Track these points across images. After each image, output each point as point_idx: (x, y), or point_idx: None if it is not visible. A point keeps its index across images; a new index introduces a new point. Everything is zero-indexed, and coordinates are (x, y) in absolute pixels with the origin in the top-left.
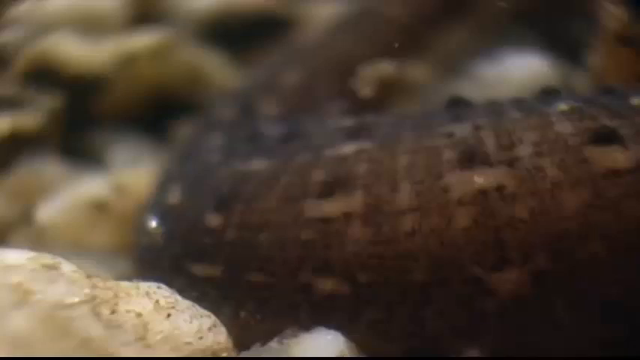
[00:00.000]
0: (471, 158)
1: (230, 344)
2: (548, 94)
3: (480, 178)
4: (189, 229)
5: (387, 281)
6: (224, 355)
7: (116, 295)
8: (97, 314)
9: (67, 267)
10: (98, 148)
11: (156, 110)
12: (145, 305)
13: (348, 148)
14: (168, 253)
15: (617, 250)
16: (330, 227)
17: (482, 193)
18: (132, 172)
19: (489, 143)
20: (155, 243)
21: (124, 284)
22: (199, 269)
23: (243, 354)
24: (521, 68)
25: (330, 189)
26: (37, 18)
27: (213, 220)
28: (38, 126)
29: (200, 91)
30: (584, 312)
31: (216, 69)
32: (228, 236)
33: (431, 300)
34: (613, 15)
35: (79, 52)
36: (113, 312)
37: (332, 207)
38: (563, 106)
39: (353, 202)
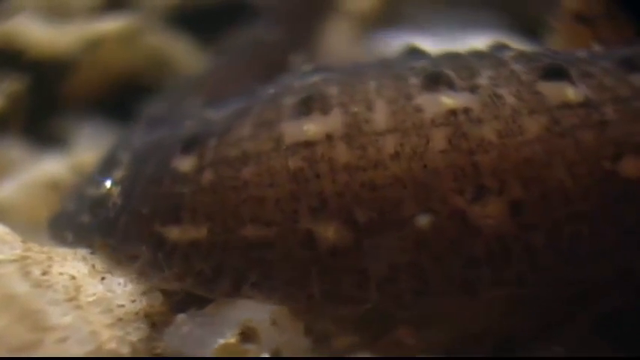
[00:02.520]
0: (435, 82)
1: (165, 308)
2: (500, 47)
3: (448, 99)
4: (156, 181)
5: (383, 219)
6: (157, 318)
7: (50, 258)
8: (25, 273)
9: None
10: (62, 130)
11: (122, 94)
12: (80, 269)
13: (316, 78)
14: (126, 219)
15: (581, 178)
16: (316, 152)
17: (453, 113)
18: (89, 154)
19: (450, 74)
20: (104, 210)
21: (62, 249)
22: (176, 233)
23: (179, 317)
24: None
25: (306, 108)
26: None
27: (183, 163)
28: (1, 108)
29: (166, 75)
30: (564, 248)
31: (182, 54)
32: (205, 179)
33: (428, 244)
34: None
35: (43, 34)
36: (45, 273)
37: (312, 127)
38: (514, 53)
39: (332, 121)
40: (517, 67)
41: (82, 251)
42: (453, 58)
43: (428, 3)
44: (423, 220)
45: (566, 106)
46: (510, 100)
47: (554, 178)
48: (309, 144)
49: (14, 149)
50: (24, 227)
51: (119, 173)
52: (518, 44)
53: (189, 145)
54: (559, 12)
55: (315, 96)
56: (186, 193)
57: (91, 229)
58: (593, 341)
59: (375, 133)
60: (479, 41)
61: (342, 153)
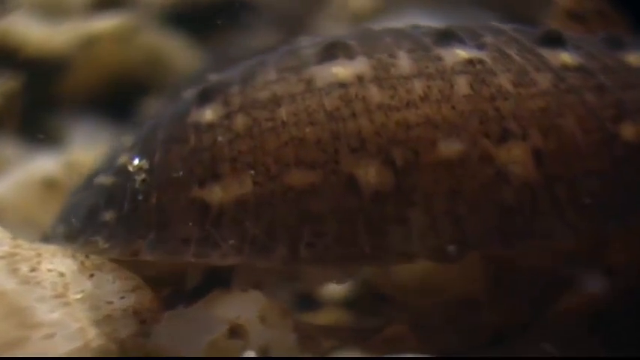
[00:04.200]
0: (447, 38)
1: (155, 305)
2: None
3: (462, 52)
4: (178, 141)
5: (418, 161)
6: (146, 314)
7: (39, 255)
8: (13, 270)
9: None
10: (57, 129)
11: (117, 93)
12: (69, 265)
13: (329, 38)
14: (158, 196)
15: (591, 134)
16: (350, 92)
17: (470, 62)
18: (84, 150)
19: (459, 33)
20: (129, 197)
21: (51, 246)
22: (218, 193)
23: (168, 313)
24: None
25: (330, 54)
26: None
27: (205, 114)
28: None
29: (161, 74)
30: (583, 204)
31: (178, 52)
32: (238, 124)
33: (462, 189)
34: None
35: (38, 33)
36: (33, 270)
37: (341, 70)
38: (511, 26)
39: (359, 65)
40: (515, 34)
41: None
42: (456, 26)
43: (424, 2)
44: (457, 162)
45: (566, 68)
46: (516, 58)
47: (568, 131)
48: (342, 85)
49: (8, 147)
50: (18, 225)
51: (126, 155)
52: None
53: (207, 95)
54: (552, 9)
55: (337, 44)
56: (220, 141)
57: (124, 229)
58: (588, 341)
59: (402, 77)
60: None
61: (374, 93)
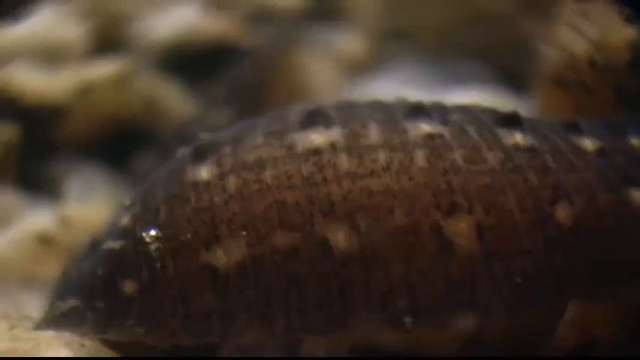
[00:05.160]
0: (417, 112)
1: None
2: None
3: (427, 126)
4: (180, 199)
5: (379, 228)
6: None
7: (37, 345)
8: None
9: None
10: (54, 178)
11: (113, 140)
12: (66, 353)
13: (312, 106)
14: (174, 264)
15: (528, 213)
16: (323, 158)
17: (430, 137)
18: (80, 205)
19: (428, 108)
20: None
21: (47, 334)
22: (222, 256)
23: None
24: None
25: (310, 121)
26: None
27: (200, 172)
28: None
29: (157, 121)
30: (516, 282)
31: (173, 99)
32: (231, 185)
33: (415, 257)
34: (549, 58)
35: (36, 81)
36: None
37: (318, 137)
38: (482, 108)
39: (334, 133)
40: (480, 114)
41: (66, 335)
42: (431, 102)
43: (415, 49)
44: (411, 230)
45: (517, 148)
46: (474, 135)
47: (508, 209)
48: (317, 151)
49: (6, 198)
50: (14, 283)
51: (128, 215)
52: (503, 97)
53: (201, 153)
54: (539, 74)
55: (318, 112)
56: (217, 201)
57: (152, 305)
58: None
59: (370, 147)
60: (464, 94)
61: (344, 161)
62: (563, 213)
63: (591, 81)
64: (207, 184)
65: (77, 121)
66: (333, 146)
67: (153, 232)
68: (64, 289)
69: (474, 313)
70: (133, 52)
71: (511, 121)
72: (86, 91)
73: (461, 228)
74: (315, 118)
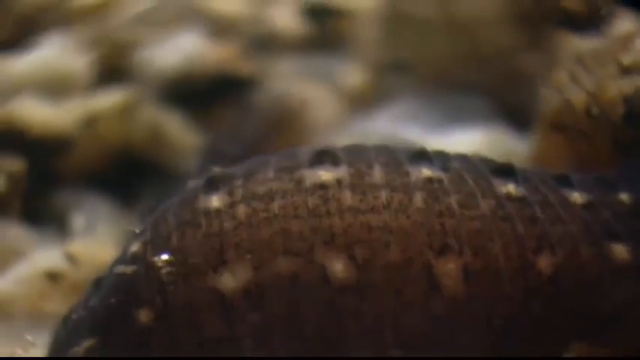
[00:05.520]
0: (420, 158)
1: None
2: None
3: (428, 171)
4: (191, 224)
5: (375, 261)
6: None
7: None
8: None
9: None
10: (60, 210)
11: (118, 171)
12: None
13: (321, 146)
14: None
15: (512, 261)
16: (328, 193)
17: (430, 180)
18: (86, 241)
19: (431, 155)
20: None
21: None
22: (229, 280)
23: None
24: (463, 143)
25: (319, 159)
26: (2, 80)
27: (212, 201)
28: (1, 190)
29: (161, 152)
30: (495, 327)
31: (177, 130)
32: (240, 213)
33: (405, 292)
34: (549, 102)
35: (41, 113)
36: None
37: (325, 174)
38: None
39: (341, 171)
40: (479, 163)
41: None
42: (434, 150)
43: (415, 83)
44: (404, 266)
45: (509, 198)
46: (470, 182)
47: (494, 254)
48: (323, 186)
49: (10, 233)
50: (22, 321)
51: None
52: (504, 135)
53: (213, 184)
54: (539, 116)
55: (327, 152)
56: (227, 227)
57: (172, 335)
58: None
59: (373, 185)
60: (464, 133)
61: (348, 196)
62: (544, 262)
63: (588, 129)
64: (218, 211)
65: (82, 152)
66: (338, 182)
67: (164, 257)
68: (74, 330)
69: (452, 352)
70: (136, 82)
71: (506, 171)
72: (91, 122)
73: (449, 269)
74: (323, 157)
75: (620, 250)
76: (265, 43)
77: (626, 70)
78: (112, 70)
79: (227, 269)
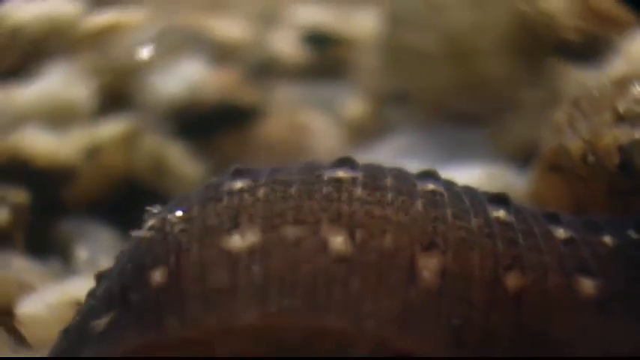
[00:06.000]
0: (427, 175)
1: None
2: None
3: (432, 185)
4: (214, 199)
5: (370, 243)
6: None
7: None
8: None
9: None
10: (63, 242)
11: (121, 200)
12: None
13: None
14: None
15: (485, 271)
16: (343, 185)
17: (433, 192)
18: (90, 272)
19: (437, 174)
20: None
21: None
22: (237, 240)
23: None
24: (462, 177)
25: (339, 164)
26: (7, 111)
27: (237, 184)
28: (5, 222)
29: (165, 181)
30: (452, 324)
31: (180, 159)
32: (260, 193)
33: (389, 275)
34: (547, 142)
35: (45, 144)
36: None
37: (342, 173)
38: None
39: (357, 173)
40: (478, 191)
41: None
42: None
43: (414, 114)
44: (393, 252)
45: (497, 221)
46: (467, 202)
47: (471, 263)
48: (339, 180)
49: (15, 265)
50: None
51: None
52: (502, 170)
53: (239, 173)
54: (537, 152)
55: (347, 159)
56: (246, 201)
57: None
58: None
59: (383, 187)
60: (464, 168)
61: (359, 190)
62: (512, 281)
63: (585, 175)
64: (241, 190)
65: (85, 182)
66: (353, 180)
67: (179, 213)
68: (90, 312)
69: (412, 339)
70: (139, 110)
71: (500, 200)
72: (94, 151)
73: (431, 263)
74: (344, 162)
75: (587, 285)
76: (266, 71)
77: (621, 118)
78: (115, 97)
79: (238, 232)
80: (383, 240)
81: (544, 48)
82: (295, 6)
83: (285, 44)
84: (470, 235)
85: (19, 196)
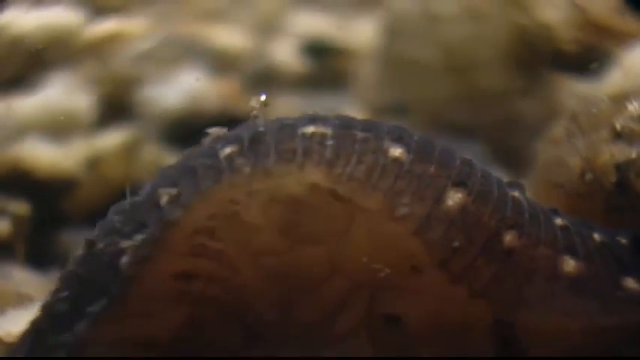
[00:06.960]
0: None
1: None
2: None
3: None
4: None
5: (420, 163)
6: None
7: None
8: None
9: None
10: (64, 253)
11: None
12: None
13: None
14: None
15: (492, 219)
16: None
17: (465, 159)
18: None
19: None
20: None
21: None
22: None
23: None
24: None
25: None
26: (7, 122)
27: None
28: (5, 233)
29: None
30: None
31: None
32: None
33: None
34: (546, 156)
35: (46, 155)
36: None
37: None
38: None
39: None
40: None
41: None
42: None
43: (413, 126)
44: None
45: (513, 197)
46: (491, 173)
47: (485, 209)
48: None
49: (16, 277)
50: None
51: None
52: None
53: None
54: (535, 164)
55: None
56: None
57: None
58: None
59: (432, 148)
60: None
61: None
62: (509, 238)
63: (583, 191)
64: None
65: (86, 193)
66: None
67: (265, 100)
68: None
69: (422, 239)
70: (139, 120)
71: (515, 184)
72: (95, 162)
73: (456, 196)
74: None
75: (570, 264)
76: (265, 80)
77: (619, 135)
78: (115, 108)
79: (313, 124)
80: (429, 167)
81: (542, 60)
82: (295, 16)
83: (285, 54)
84: (490, 192)
85: (20, 207)
